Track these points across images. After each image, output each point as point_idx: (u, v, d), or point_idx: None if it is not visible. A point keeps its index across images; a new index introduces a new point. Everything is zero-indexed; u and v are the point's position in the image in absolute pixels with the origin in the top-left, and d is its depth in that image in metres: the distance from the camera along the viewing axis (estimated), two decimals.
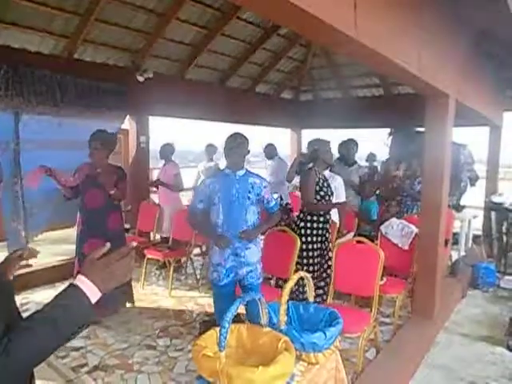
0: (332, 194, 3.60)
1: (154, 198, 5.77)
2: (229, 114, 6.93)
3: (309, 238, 3.51)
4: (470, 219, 5.87)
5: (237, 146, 2.80)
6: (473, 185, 6.16)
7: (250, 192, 2.80)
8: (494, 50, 4.30)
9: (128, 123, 5.76)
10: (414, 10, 2.41)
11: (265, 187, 2.86)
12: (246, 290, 2.91)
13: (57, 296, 0.98)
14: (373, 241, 3.59)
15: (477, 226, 6.37)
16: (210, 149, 6.31)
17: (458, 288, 4.48)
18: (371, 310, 3.01)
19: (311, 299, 2.47)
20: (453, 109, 3.39)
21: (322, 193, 3.48)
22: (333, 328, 2.18)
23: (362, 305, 3.60)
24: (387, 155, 7.00)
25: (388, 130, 7.28)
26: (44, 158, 4.17)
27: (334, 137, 6.59)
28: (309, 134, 9.14)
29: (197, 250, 5.64)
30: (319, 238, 3.53)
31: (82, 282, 0.98)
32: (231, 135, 2.85)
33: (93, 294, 0.98)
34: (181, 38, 5.64)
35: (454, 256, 5.32)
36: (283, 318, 2.18)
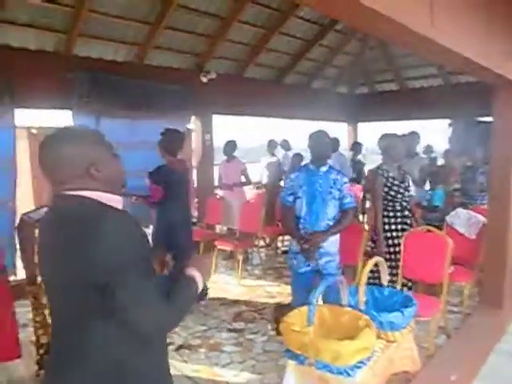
0: (407, 188, 3.55)
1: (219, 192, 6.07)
2: (286, 111, 7.12)
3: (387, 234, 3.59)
4: None
5: (320, 142, 2.99)
6: None
7: (331, 187, 2.97)
8: None
9: (193, 122, 6.09)
10: (483, 7, 2.48)
11: (345, 183, 3.01)
12: (324, 279, 3.08)
13: (181, 278, 1.27)
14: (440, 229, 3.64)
15: None
16: (272, 144, 6.54)
17: None
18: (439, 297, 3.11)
19: (385, 283, 2.62)
20: None
21: (392, 192, 3.49)
22: (409, 308, 2.32)
23: (428, 294, 3.67)
24: (448, 146, 6.91)
25: (449, 121, 7.19)
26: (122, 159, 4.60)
27: (397, 129, 6.61)
28: (365, 127, 9.18)
29: (261, 242, 5.89)
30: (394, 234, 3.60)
31: (196, 276, 1.28)
32: (315, 132, 3.06)
33: (200, 285, 1.29)
34: (240, 38, 5.89)
35: None
36: (362, 298, 2.35)
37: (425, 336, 3.14)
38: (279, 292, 4.53)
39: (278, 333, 3.51)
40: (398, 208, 3.48)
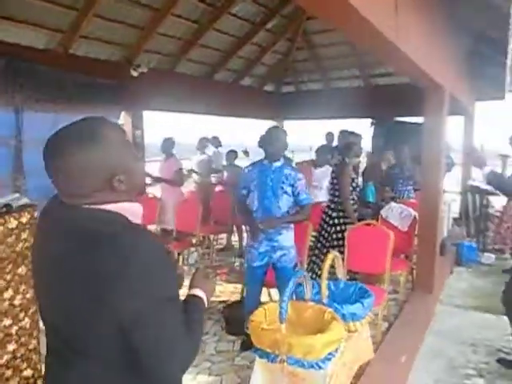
0: (358, 183, 3.78)
1: (151, 190, 5.85)
2: (216, 107, 7.05)
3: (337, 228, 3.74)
4: (450, 202, 6.32)
5: (275, 138, 3.00)
6: (449, 171, 6.62)
7: (283, 182, 3.00)
8: (468, 42, 4.67)
9: (123, 118, 5.79)
10: (427, 19, 2.68)
11: (299, 179, 3.05)
12: (279, 272, 3.12)
13: (191, 301, 1.14)
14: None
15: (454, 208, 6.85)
16: (202, 142, 6.44)
17: (447, 265, 4.88)
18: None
19: (340, 276, 2.72)
20: (448, 100, 3.71)
21: (353, 184, 3.69)
22: (368, 299, 2.44)
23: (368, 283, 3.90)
24: (370, 144, 7.38)
25: (370, 121, 7.66)
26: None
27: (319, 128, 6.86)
28: (291, 125, 9.43)
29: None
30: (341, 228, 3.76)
31: (203, 297, 1.17)
32: (270, 128, 3.08)
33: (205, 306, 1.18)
34: (173, 32, 5.71)
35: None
36: (325, 292, 2.42)
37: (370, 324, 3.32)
38: (221, 291, 4.48)
39: (229, 332, 3.50)
40: (352, 202, 3.68)
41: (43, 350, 2.38)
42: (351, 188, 3.71)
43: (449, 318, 3.86)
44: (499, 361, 3.10)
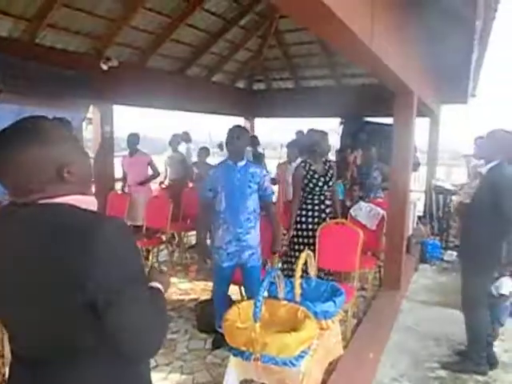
0: (327, 182, 3.76)
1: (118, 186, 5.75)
2: (188, 103, 6.99)
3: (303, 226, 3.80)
4: (415, 201, 6.52)
5: (237, 137, 3.00)
6: (415, 170, 6.83)
7: (250, 181, 3.02)
8: (437, 49, 4.84)
9: (91, 112, 5.64)
10: (398, 18, 2.75)
11: (264, 176, 3.09)
12: (247, 271, 3.13)
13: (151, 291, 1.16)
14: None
15: (419, 207, 7.08)
16: (175, 139, 6.37)
17: (412, 262, 5.05)
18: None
19: (312, 274, 2.77)
20: (416, 103, 3.83)
21: (311, 185, 3.70)
22: (340, 297, 2.49)
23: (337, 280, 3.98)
24: (338, 143, 7.51)
25: (339, 120, 7.79)
26: None
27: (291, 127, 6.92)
28: (262, 123, 9.46)
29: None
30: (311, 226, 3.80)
31: (160, 288, 1.20)
32: (232, 128, 3.05)
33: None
34: (145, 25, 5.60)
35: None
36: (298, 290, 2.45)
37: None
38: (192, 288, 4.47)
39: (201, 329, 3.49)
40: (316, 201, 3.70)
41: (7, 353, 2.31)
42: (308, 189, 3.72)
43: (414, 314, 4.00)
44: (460, 353, 3.24)
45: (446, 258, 5.63)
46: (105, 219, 0.98)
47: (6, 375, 2.25)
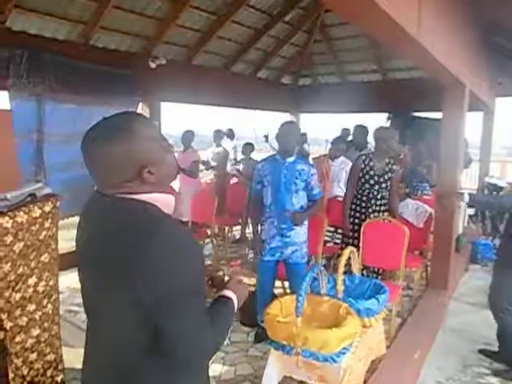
0: (381, 182, 3.68)
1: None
2: (232, 99, 7.07)
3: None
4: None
5: (288, 134, 3.01)
6: (466, 167, 6.54)
7: (297, 178, 3.02)
8: (494, 38, 4.60)
9: (140, 109, 5.83)
10: (448, 17, 2.65)
11: (312, 175, 3.07)
12: (290, 268, 3.15)
13: (219, 300, 1.18)
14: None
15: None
16: (218, 134, 6.47)
17: (462, 262, 4.85)
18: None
19: (356, 271, 2.74)
20: (467, 97, 3.66)
21: (362, 180, 3.68)
22: (383, 295, 2.45)
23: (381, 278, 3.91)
24: None
25: (386, 115, 7.59)
26: (65, 152, 4.34)
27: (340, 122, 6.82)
28: (308, 118, 9.40)
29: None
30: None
31: (233, 298, 1.19)
32: (283, 123, 3.09)
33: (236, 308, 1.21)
34: (191, 24, 5.72)
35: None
36: (341, 287, 2.44)
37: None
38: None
39: (244, 323, 3.54)
40: (364, 198, 3.67)
41: (63, 335, 2.46)
42: (360, 184, 3.69)
43: (462, 316, 3.85)
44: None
45: None
46: (167, 224, 0.99)
47: (63, 356, 2.40)
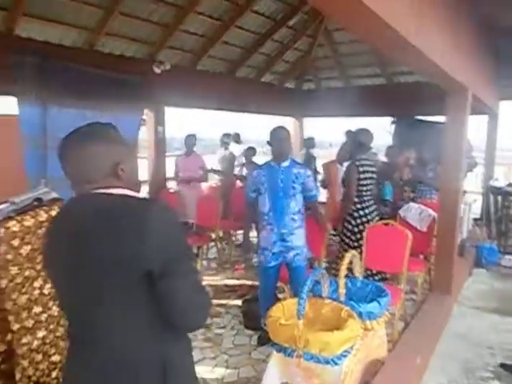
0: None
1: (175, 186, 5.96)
2: (236, 104, 7.12)
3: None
4: (471, 203, 6.24)
5: (281, 139, 3.04)
6: (470, 171, 6.52)
7: (294, 182, 3.04)
8: (497, 41, 4.61)
9: (146, 114, 5.89)
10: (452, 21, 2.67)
11: (308, 176, 3.10)
12: (292, 271, 3.17)
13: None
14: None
15: (474, 209, 6.76)
16: (225, 138, 6.52)
17: (466, 266, 4.84)
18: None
19: (358, 274, 2.76)
20: (470, 101, 3.67)
21: (364, 182, 3.74)
22: (385, 298, 2.47)
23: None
24: (391, 143, 7.31)
25: (391, 119, 7.59)
26: None
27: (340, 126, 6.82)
28: (312, 122, 9.42)
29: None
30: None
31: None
32: (275, 128, 3.09)
33: None
34: (195, 29, 5.78)
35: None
36: (343, 290, 2.45)
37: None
38: (240, 285, 4.56)
39: (247, 326, 3.57)
40: (367, 201, 3.71)
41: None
42: (366, 185, 3.72)
43: (466, 320, 3.85)
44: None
45: (503, 263, 5.35)
46: (154, 202, 1.14)
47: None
